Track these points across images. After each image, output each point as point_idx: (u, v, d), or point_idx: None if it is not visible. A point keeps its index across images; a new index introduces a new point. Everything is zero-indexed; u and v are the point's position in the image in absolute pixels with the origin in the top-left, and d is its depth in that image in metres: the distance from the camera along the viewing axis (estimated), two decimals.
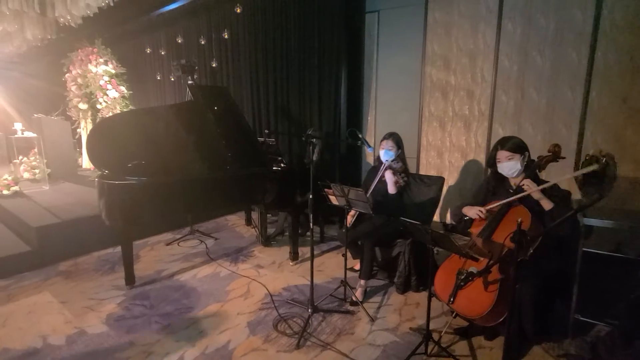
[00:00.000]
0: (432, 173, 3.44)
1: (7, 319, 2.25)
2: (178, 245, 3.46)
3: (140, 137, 2.84)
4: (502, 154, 1.94)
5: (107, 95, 5.47)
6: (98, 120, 5.59)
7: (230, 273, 2.85)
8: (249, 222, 4.02)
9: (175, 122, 3.00)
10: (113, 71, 5.56)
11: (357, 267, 2.80)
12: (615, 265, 1.86)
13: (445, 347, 1.88)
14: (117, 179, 2.45)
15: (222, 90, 3.60)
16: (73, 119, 6.00)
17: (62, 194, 4.28)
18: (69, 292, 2.57)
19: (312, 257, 2.22)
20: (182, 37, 4.89)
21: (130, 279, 2.62)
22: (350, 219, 2.60)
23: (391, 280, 2.63)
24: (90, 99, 5.76)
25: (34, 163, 4.97)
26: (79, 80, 5.73)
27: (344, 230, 2.45)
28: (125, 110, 5.43)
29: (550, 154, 1.88)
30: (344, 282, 2.42)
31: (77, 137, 6.04)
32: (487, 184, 2.12)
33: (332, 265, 2.98)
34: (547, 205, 1.79)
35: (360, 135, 2.92)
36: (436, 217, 3.43)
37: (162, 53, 5.37)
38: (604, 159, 2.49)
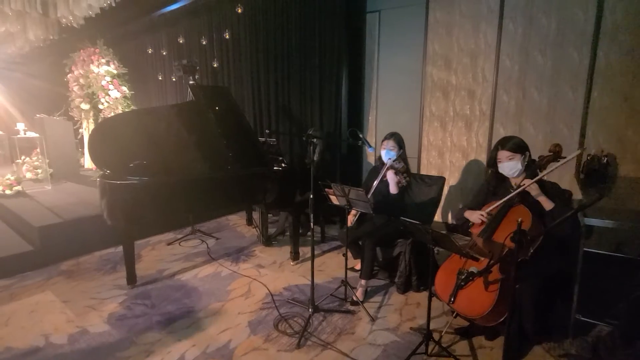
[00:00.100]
0: (433, 173, 3.44)
1: (9, 318, 2.26)
2: (179, 245, 3.47)
3: (141, 137, 2.84)
4: (502, 154, 1.94)
5: (109, 95, 5.49)
6: (100, 120, 5.61)
7: (231, 273, 2.86)
8: (250, 222, 4.03)
9: (177, 122, 3.01)
10: (115, 71, 5.58)
11: (358, 267, 2.81)
12: (616, 265, 1.85)
13: (446, 347, 1.88)
14: (119, 179, 2.46)
15: (223, 91, 3.61)
16: (75, 119, 6.02)
17: (64, 193, 4.30)
18: (71, 292, 2.58)
19: (313, 256, 2.22)
20: (184, 38, 4.90)
21: (131, 279, 2.63)
22: (352, 218, 2.60)
23: (392, 280, 2.63)
24: (92, 99, 5.78)
25: (36, 163, 4.99)
26: (81, 80, 5.75)
27: (344, 230, 2.45)
28: (127, 110, 5.45)
29: (551, 153, 1.88)
30: (345, 282, 2.42)
31: (79, 137, 6.06)
32: (487, 184, 2.12)
33: (333, 265, 2.98)
34: (547, 205, 1.79)
35: (360, 135, 2.92)
36: (438, 217, 3.44)
37: (164, 53, 5.39)
38: (605, 158, 2.50)
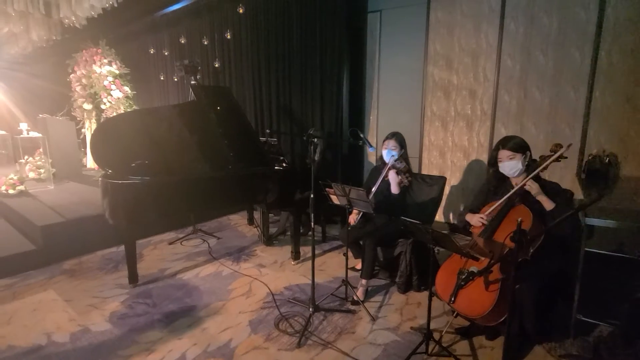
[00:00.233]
0: (435, 173, 3.44)
1: (12, 316, 2.28)
2: (181, 244, 3.49)
3: (143, 137, 2.86)
4: (503, 154, 1.94)
5: (111, 95, 5.52)
6: (102, 120, 5.64)
7: (233, 272, 2.87)
8: (251, 221, 4.04)
9: (178, 122, 3.02)
10: (117, 72, 5.60)
11: (359, 266, 2.81)
12: (617, 265, 1.85)
13: (446, 346, 1.88)
14: (121, 179, 2.47)
15: (224, 91, 3.62)
16: (78, 119, 6.05)
17: (67, 193, 4.32)
18: (73, 291, 2.60)
19: (314, 256, 2.23)
20: (185, 38, 4.91)
21: (133, 278, 2.65)
22: (355, 216, 2.61)
23: (393, 279, 2.63)
24: (95, 99, 5.81)
25: (39, 163, 5.01)
26: (84, 80, 5.78)
27: (345, 230, 2.45)
28: (129, 110, 5.47)
29: (552, 153, 1.87)
30: (345, 282, 2.42)
31: (81, 137, 6.10)
32: (488, 183, 2.12)
33: (334, 265, 2.98)
34: (548, 205, 1.78)
35: (361, 135, 2.93)
36: (439, 217, 3.44)
37: (166, 53, 5.40)
38: (607, 158, 2.49)
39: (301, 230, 3.28)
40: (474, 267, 1.81)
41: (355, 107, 3.88)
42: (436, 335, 1.96)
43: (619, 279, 1.89)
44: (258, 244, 3.46)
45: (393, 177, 2.54)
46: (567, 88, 2.75)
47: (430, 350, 1.86)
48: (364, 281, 2.45)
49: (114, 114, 5.39)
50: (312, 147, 2.20)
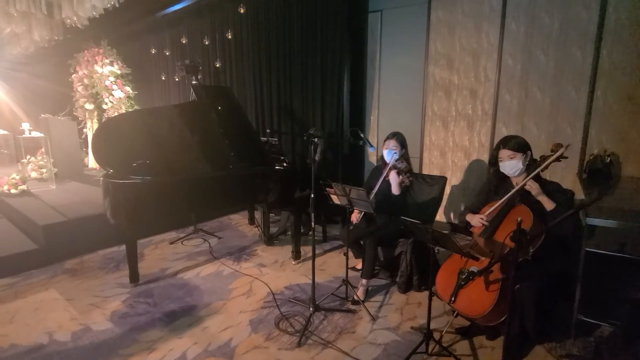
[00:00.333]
0: (435, 173, 3.44)
1: (14, 315, 2.29)
2: (182, 244, 3.49)
3: (145, 136, 2.87)
4: (504, 153, 1.94)
5: (113, 95, 5.53)
6: (104, 120, 5.66)
7: (233, 272, 2.87)
8: (252, 221, 4.04)
9: (180, 122, 3.03)
10: (118, 72, 5.62)
11: (359, 266, 2.81)
12: (618, 266, 1.84)
13: (446, 346, 1.88)
14: (122, 178, 2.48)
15: (225, 91, 3.62)
16: (79, 119, 6.07)
17: (69, 193, 4.34)
18: (75, 290, 2.61)
19: (314, 256, 2.23)
20: (187, 38, 4.92)
21: (134, 277, 2.66)
22: (357, 215, 2.61)
23: (393, 279, 2.63)
24: (96, 99, 5.83)
25: (41, 162, 5.04)
26: (85, 80, 5.80)
27: (346, 230, 2.45)
28: (130, 110, 5.49)
29: (552, 153, 1.87)
30: (346, 281, 2.42)
31: (83, 137, 6.12)
32: (488, 183, 2.11)
33: (334, 265, 2.99)
34: (549, 205, 1.78)
35: (362, 135, 2.93)
36: (441, 217, 3.43)
37: (167, 53, 5.41)
38: (609, 158, 2.48)
39: (302, 230, 3.28)
40: (474, 267, 1.80)
41: (356, 106, 3.88)
42: (436, 335, 1.96)
43: (620, 279, 1.88)
44: (259, 244, 3.47)
45: (394, 178, 2.54)
46: (568, 88, 2.74)
47: (430, 350, 1.86)
48: (364, 281, 2.45)
49: (116, 114, 5.41)
50: (312, 147, 2.21)
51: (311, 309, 2.20)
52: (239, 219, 4.24)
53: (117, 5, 4.02)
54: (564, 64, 2.74)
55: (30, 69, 7.93)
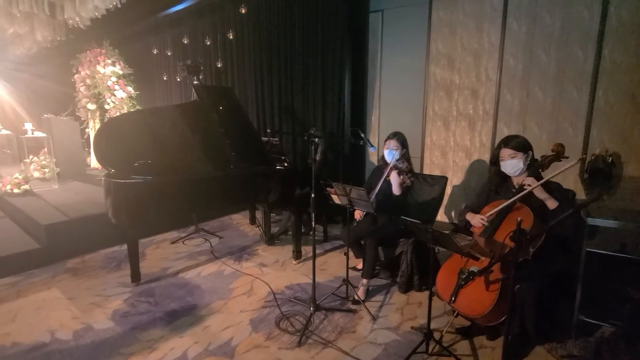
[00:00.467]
0: (436, 173, 3.43)
1: (16, 314, 2.30)
2: (183, 243, 3.51)
3: (146, 136, 2.88)
4: (505, 152, 1.94)
5: (115, 95, 5.55)
6: (106, 120, 5.68)
7: (234, 271, 2.88)
8: (253, 221, 4.05)
9: (181, 122, 3.04)
10: (120, 72, 5.64)
11: (360, 266, 2.81)
12: (619, 266, 1.84)
13: (447, 346, 1.88)
14: (124, 178, 2.49)
15: (226, 91, 3.64)
16: (82, 119, 6.10)
17: (71, 192, 4.36)
18: (77, 289, 2.62)
19: (314, 255, 2.23)
20: (188, 38, 4.94)
21: (136, 277, 2.67)
22: (360, 212, 2.61)
23: (394, 279, 2.63)
24: (99, 99, 5.85)
25: (43, 162, 5.07)
26: (88, 81, 5.83)
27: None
28: (132, 110, 5.50)
29: (553, 153, 1.87)
30: (346, 281, 2.42)
31: (85, 137, 6.14)
32: (489, 182, 2.11)
33: (335, 264, 2.99)
34: (551, 204, 1.77)
35: (362, 135, 2.93)
36: (442, 218, 3.43)
37: (169, 54, 5.43)
38: (610, 158, 2.47)
39: (303, 230, 3.29)
40: (474, 267, 1.80)
41: (356, 106, 3.88)
42: (437, 335, 1.96)
43: (621, 279, 1.87)
44: (260, 244, 3.47)
45: (395, 178, 2.54)
46: (569, 87, 2.74)
47: (430, 350, 1.86)
48: (364, 281, 2.45)
49: (118, 114, 5.42)
50: (312, 146, 2.21)
51: (312, 308, 2.20)
52: (240, 219, 4.25)
53: (119, 6, 4.04)
54: (566, 63, 2.73)
55: (33, 69, 7.97)
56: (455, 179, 3.38)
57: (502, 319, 1.74)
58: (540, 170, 1.90)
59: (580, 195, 2.41)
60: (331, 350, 1.92)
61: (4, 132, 6.72)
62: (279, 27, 4.07)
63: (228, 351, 1.92)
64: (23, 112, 8.20)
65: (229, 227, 3.97)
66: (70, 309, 2.36)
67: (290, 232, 3.49)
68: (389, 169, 2.53)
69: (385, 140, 2.64)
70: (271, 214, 3.62)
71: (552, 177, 1.78)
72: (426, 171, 3.50)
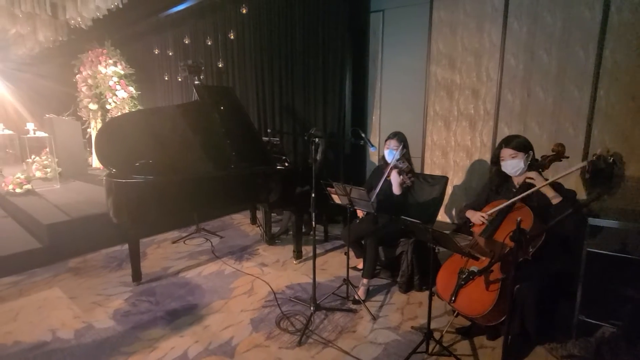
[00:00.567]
0: (437, 173, 3.43)
1: (18, 313, 2.31)
2: (184, 243, 3.51)
3: (147, 136, 2.88)
4: (505, 152, 1.93)
5: (116, 95, 5.57)
6: (107, 120, 5.70)
7: (235, 271, 2.88)
8: (253, 221, 4.06)
9: (182, 122, 3.04)
10: (122, 72, 5.66)
11: (360, 266, 2.81)
12: (620, 266, 1.83)
13: (447, 346, 1.88)
14: (125, 178, 2.49)
15: (227, 91, 3.64)
16: (83, 119, 6.13)
17: (73, 192, 4.37)
18: (78, 288, 2.63)
19: (315, 255, 2.23)
20: (189, 38, 4.95)
21: (137, 276, 2.67)
22: (361, 213, 2.61)
23: (394, 279, 2.63)
24: (100, 99, 5.88)
25: (45, 162, 5.09)
26: (89, 81, 5.85)
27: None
28: (133, 110, 5.52)
29: (553, 153, 1.87)
30: (347, 281, 2.43)
31: (87, 136, 6.17)
32: (490, 182, 2.11)
33: (335, 264, 2.99)
34: (555, 199, 1.77)
35: (363, 135, 2.93)
36: (443, 218, 3.43)
37: (170, 54, 5.44)
38: (612, 158, 2.47)
39: (303, 230, 3.29)
40: (474, 267, 1.80)
41: (357, 106, 3.88)
42: (437, 335, 1.96)
43: (621, 279, 1.87)
44: (260, 243, 3.48)
45: (395, 178, 2.54)
46: (571, 87, 2.73)
47: (430, 349, 1.86)
48: (365, 280, 2.45)
49: (119, 113, 5.44)
50: (313, 146, 2.21)
51: (312, 308, 2.20)
52: (240, 219, 4.26)
53: (120, 6, 4.06)
54: (567, 63, 2.72)
55: (35, 69, 8.00)
56: (456, 179, 3.38)
57: (502, 318, 1.74)
58: (540, 170, 1.90)
59: (581, 195, 2.41)
60: (331, 349, 1.92)
61: (7, 132, 6.75)
62: (279, 27, 4.08)
63: (228, 350, 1.93)
64: (25, 112, 8.24)
65: (230, 227, 3.97)
66: (72, 308, 2.37)
67: (290, 232, 3.50)
68: (389, 169, 2.53)
69: (386, 140, 2.64)
70: (272, 214, 3.63)
71: (559, 178, 1.77)
72: (427, 171, 3.49)
